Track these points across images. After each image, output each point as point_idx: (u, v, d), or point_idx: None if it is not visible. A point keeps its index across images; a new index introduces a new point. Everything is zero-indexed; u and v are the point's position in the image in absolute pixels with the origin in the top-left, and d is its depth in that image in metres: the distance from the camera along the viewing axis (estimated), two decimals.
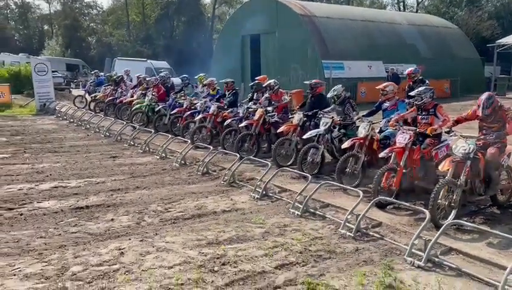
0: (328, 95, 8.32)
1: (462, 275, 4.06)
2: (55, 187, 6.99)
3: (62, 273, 4.04)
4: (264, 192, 6.54)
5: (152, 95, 13.11)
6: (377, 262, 4.31)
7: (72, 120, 14.93)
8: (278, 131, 8.67)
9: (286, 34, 22.47)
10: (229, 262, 4.26)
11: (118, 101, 15.01)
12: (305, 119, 8.49)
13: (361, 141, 6.88)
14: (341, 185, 6.51)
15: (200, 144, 9.59)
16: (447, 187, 5.20)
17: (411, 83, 11.00)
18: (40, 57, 35.66)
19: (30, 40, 60.92)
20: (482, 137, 5.62)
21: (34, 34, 63.12)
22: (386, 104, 7.50)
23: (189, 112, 11.36)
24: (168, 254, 4.47)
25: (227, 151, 8.82)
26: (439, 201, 5.12)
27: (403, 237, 4.90)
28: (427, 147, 6.10)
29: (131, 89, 15.53)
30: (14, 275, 4.04)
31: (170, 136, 10.04)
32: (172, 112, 11.90)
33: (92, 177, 7.65)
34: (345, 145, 7.03)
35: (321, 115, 7.98)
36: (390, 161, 6.04)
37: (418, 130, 6.14)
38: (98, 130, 12.68)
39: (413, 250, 4.35)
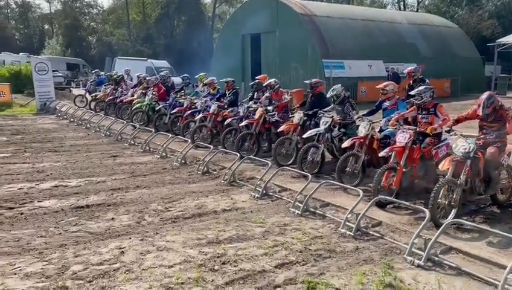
0: (328, 95, 8.32)
1: (462, 274, 4.06)
2: (56, 186, 7.00)
3: (62, 273, 4.05)
4: (264, 191, 6.54)
5: (152, 94, 13.11)
6: (376, 261, 4.31)
7: (72, 119, 14.94)
8: (278, 130, 8.66)
9: (286, 33, 22.46)
10: (229, 261, 4.27)
11: (118, 100, 15.02)
12: (305, 118, 8.49)
13: (362, 140, 6.88)
14: (341, 184, 6.52)
15: (201, 143, 9.60)
16: (447, 186, 5.20)
17: (411, 82, 11.02)
18: (41, 56, 35.68)
19: (30, 39, 60.96)
20: (482, 136, 5.62)
21: (35, 34, 63.17)
22: (386, 104, 7.50)
23: (189, 112, 11.36)
24: (169, 253, 4.47)
25: (227, 151, 8.83)
26: (439, 200, 5.12)
27: (403, 236, 4.90)
28: (427, 146, 6.10)
29: (132, 88, 15.53)
30: (15, 274, 4.05)
31: (170, 135, 10.05)
32: (173, 112, 11.90)
33: (92, 176, 7.66)
34: (345, 144, 7.03)
35: (321, 114, 7.98)
36: (391, 160, 6.04)
37: (418, 129, 6.15)
38: (98, 129, 12.69)
39: (413, 249, 4.36)
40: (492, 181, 5.51)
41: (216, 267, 4.14)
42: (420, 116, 6.38)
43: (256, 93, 10.77)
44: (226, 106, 10.53)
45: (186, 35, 47.09)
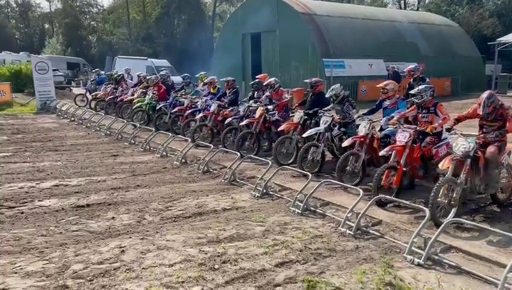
0: (327, 95, 8.32)
1: (462, 273, 4.06)
2: (56, 186, 7.01)
3: (63, 271, 4.06)
4: (264, 190, 6.55)
5: (153, 93, 13.13)
6: (376, 260, 4.32)
7: (72, 119, 14.95)
8: (279, 129, 8.67)
9: (287, 32, 22.46)
10: (229, 260, 4.28)
11: (118, 99, 15.03)
12: (305, 117, 8.49)
13: (362, 139, 6.88)
14: (341, 183, 6.52)
15: (201, 143, 9.60)
16: (447, 185, 5.20)
17: (411, 80, 11.02)
18: (41, 55, 35.71)
19: (31, 38, 60.96)
20: (482, 135, 5.63)
21: (35, 33, 63.16)
22: (387, 103, 7.50)
23: (189, 111, 11.38)
24: (169, 252, 4.48)
25: (227, 150, 8.84)
26: (439, 199, 5.13)
27: (403, 235, 4.91)
28: (427, 145, 6.10)
29: (132, 87, 15.55)
30: (16, 273, 4.05)
31: (171, 134, 10.05)
32: (173, 111, 11.91)
33: (92, 175, 7.67)
34: (346, 143, 7.04)
35: (321, 114, 7.98)
36: (391, 159, 6.04)
37: (418, 128, 6.15)
38: (98, 128, 12.70)
39: (413, 248, 4.36)
40: (492, 180, 5.51)
41: (216, 266, 4.15)
42: (420, 115, 6.38)
43: (256, 92, 10.78)
44: (226, 105, 10.53)
45: (187, 34, 47.08)
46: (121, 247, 4.59)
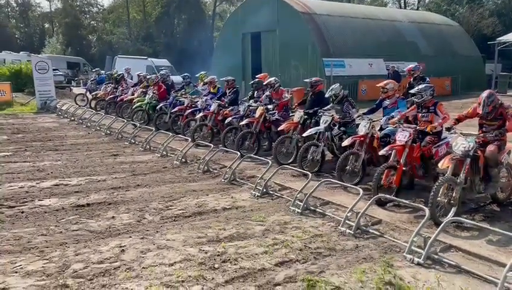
0: (326, 95, 8.32)
1: (462, 272, 4.07)
2: (56, 185, 7.02)
3: (63, 271, 4.07)
4: (264, 190, 6.55)
5: (153, 93, 13.13)
6: (376, 259, 4.32)
7: (73, 118, 14.96)
8: (279, 129, 8.68)
9: (287, 31, 22.46)
10: (229, 259, 4.28)
11: (118, 99, 15.04)
12: (305, 117, 8.49)
13: (362, 138, 6.89)
14: (341, 182, 6.52)
15: (201, 142, 9.61)
16: (447, 185, 5.21)
17: (411, 80, 11.02)
18: (41, 55, 35.70)
19: (31, 38, 60.98)
20: (481, 135, 5.63)
21: (35, 32, 63.18)
22: (387, 102, 7.50)
23: (190, 110, 11.38)
24: (169, 251, 4.49)
25: (227, 149, 8.84)
26: (438, 199, 5.13)
27: (402, 235, 4.91)
28: (427, 145, 6.10)
29: (132, 87, 15.56)
30: (16, 272, 4.06)
31: (171, 134, 10.06)
32: (173, 110, 11.91)
33: (92, 175, 7.68)
34: (346, 143, 7.04)
35: (321, 113, 7.99)
36: (391, 159, 6.05)
37: (418, 127, 6.15)
38: (98, 128, 12.70)
39: (412, 247, 4.36)
40: (491, 179, 5.51)
41: (216, 266, 4.16)
42: (420, 114, 6.38)
43: (256, 92, 10.78)
44: (226, 105, 10.54)
45: (187, 34, 47.08)
46: (121, 246, 4.59)
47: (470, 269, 4.06)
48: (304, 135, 7.94)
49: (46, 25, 64.62)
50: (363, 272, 4.01)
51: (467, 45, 27.12)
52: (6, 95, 18.47)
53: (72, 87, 27.61)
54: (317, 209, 5.77)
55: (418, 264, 4.20)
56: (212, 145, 8.72)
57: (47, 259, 4.32)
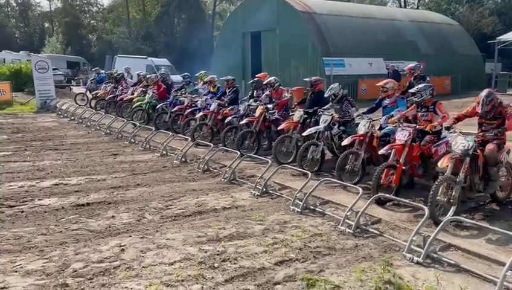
0: (325, 94, 8.33)
1: (461, 271, 4.07)
2: (56, 185, 7.02)
3: (63, 270, 4.07)
4: (264, 189, 6.56)
5: (153, 92, 13.13)
6: (376, 258, 4.33)
7: (72, 118, 14.96)
8: (279, 128, 8.68)
9: (287, 31, 22.46)
10: (229, 259, 4.28)
11: (118, 98, 15.04)
12: (305, 116, 8.49)
13: (361, 138, 6.89)
14: (341, 182, 6.52)
15: (201, 142, 9.61)
16: (446, 184, 5.21)
17: (412, 79, 11.02)
18: (41, 54, 35.70)
19: (31, 37, 60.99)
20: (481, 134, 5.63)
21: (35, 32, 63.18)
22: (386, 101, 7.50)
23: (189, 110, 11.38)
24: (169, 250, 4.49)
25: (227, 149, 8.84)
26: (438, 198, 5.13)
27: (402, 234, 4.91)
28: (426, 144, 6.11)
29: (132, 86, 15.56)
30: (16, 271, 4.07)
31: (171, 133, 10.06)
32: (173, 110, 11.91)
33: (92, 174, 7.68)
34: (345, 142, 7.04)
35: (321, 112, 7.99)
36: (390, 158, 6.05)
37: (417, 127, 6.15)
38: (98, 127, 12.71)
39: (412, 246, 4.37)
40: (491, 178, 5.51)
41: (216, 265, 4.16)
42: (420, 114, 6.38)
43: (255, 91, 10.77)
44: (226, 104, 10.54)
45: (187, 33, 47.07)
46: (120, 246, 4.60)
47: (470, 268, 4.06)
48: (304, 134, 7.94)
49: (46, 25, 64.62)
50: (363, 271, 4.01)
51: (466, 44, 27.12)
52: (6, 95, 18.47)
53: (71, 87, 27.61)
54: (317, 209, 5.78)
55: (418, 263, 4.20)
56: (212, 145, 8.72)
57: (47, 258, 4.32)
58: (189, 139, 9.57)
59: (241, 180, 7.28)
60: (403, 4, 48.17)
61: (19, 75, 22.85)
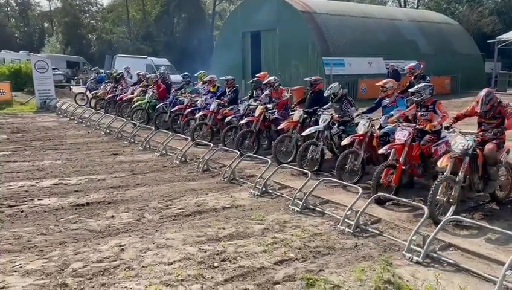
0: (325, 94, 8.33)
1: (461, 270, 4.07)
2: (56, 184, 7.02)
3: (63, 270, 4.07)
4: (264, 189, 6.56)
5: (152, 92, 13.13)
6: (375, 258, 4.33)
7: (72, 117, 14.96)
8: (278, 128, 8.68)
9: (286, 30, 22.45)
10: (228, 258, 4.29)
11: (118, 98, 15.04)
12: (305, 116, 8.49)
13: (361, 137, 6.89)
14: (340, 181, 6.52)
15: (201, 141, 9.61)
16: (446, 183, 5.21)
17: (412, 78, 11.02)
18: (41, 54, 35.70)
19: (30, 37, 60.98)
20: (480, 133, 5.63)
21: (34, 32, 63.16)
22: (386, 101, 7.50)
23: (189, 109, 11.38)
24: (168, 250, 4.49)
25: (227, 149, 8.84)
26: (437, 197, 5.13)
27: (401, 233, 4.92)
28: (426, 144, 6.11)
29: (132, 86, 15.55)
30: (15, 271, 4.07)
31: (170, 133, 10.07)
32: (173, 109, 11.91)
33: (92, 174, 7.68)
34: (345, 142, 7.04)
35: (320, 112, 7.99)
36: (390, 158, 6.05)
37: (417, 126, 6.15)
38: (98, 127, 12.71)
39: (411, 246, 4.37)
40: (490, 178, 5.51)
41: (216, 265, 4.16)
42: (419, 113, 6.38)
43: (255, 91, 10.77)
44: (226, 104, 10.54)
45: (186, 33, 47.06)
46: (120, 245, 4.60)
47: (469, 268, 4.07)
48: (304, 133, 7.94)
49: (46, 24, 64.61)
50: (362, 271, 4.01)
51: (466, 43, 27.11)
52: (5, 94, 18.45)
53: (71, 87, 27.60)
54: (317, 208, 5.78)
55: (417, 262, 4.21)
56: (211, 145, 8.72)
57: (46, 258, 4.32)
58: (189, 138, 9.57)
59: (241, 180, 7.28)
60: (402, 4, 48.14)
61: (19, 75, 22.84)
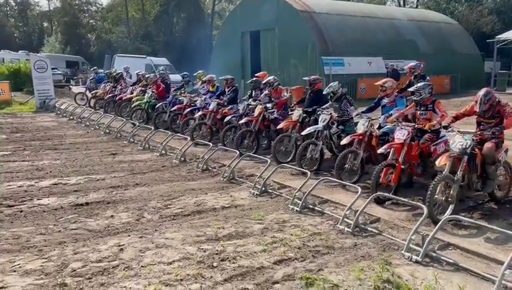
0: (324, 91, 8.34)
1: (460, 269, 4.07)
2: (55, 184, 7.02)
3: (62, 270, 4.07)
4: (263, 188, 6.56)
5: (152, 92, 13.12)
6: (374, 257, 4.33)
7: (71, 117, 14.95)
8: (278, 127, 8.67)
9: (286, 30, 22.44)
10: (228, 258, 4.29)
11: (117, 98, 15.03)
12: (304, 115, 8.49)
13: (360, 137, 6.89)
14: (340, 181, 6.52)
15: (200, 141, 9.61)
16: (444, 182, 5.21)
17: (412, 78, 11.03)
18: (40, 54, 35.65)
19: (30, 37, 60.93)
20: (479, 132, 5.63)
21: (34, 31, 63.12)
22: (385, 100, 7.50)
23: (189, 109, 11.38)
24: (168, 250, 4.49)
25: (227, 148, 8.84)
26: (436, 196, 5.13)
27: (401, 233, 4.92)
28: (425, 143, 6.11)
29: (131, 86, 15.54)
30: (14, 271, 4.06)
31: (170, 133, 10.06)
32: (172, 109, 11.91)
33: (91, 174, 7.68)
34: (344, 141, 7.04)
35: (320, 112, 7.99)
36: (389, 157, 6.05)
37: (416, 126, 6.16)
38: (97, 127, 12.70)
39: (411, 245, 4.37)
40: (489, 177, 5.51)
41: (215, 264, 4.16)
42: (419, 112, 6.39)
43: (254, 91, 10.76)
44: (225, 104, 10.53)
45: (186, 32, 47.05)
46: (119, 245, 4.60)
47: (468, 267, 4.07)
48: (303, 133, 7.94)
49: (45, 24, 64.57)
50: (362, 270, 4.02)
51: (466, 43, 27.12)
52: (5, 94, 18.44)
53: (71, 86, 27.59)
54: (316, 208, 5.78)
55: (416, 262, 4.21)
56: (211, 144, 8.73)
57: (46, 258, 4.32)
58: (189, 138, 9.56)
59: (240, 179, 7.29)
60: (402, 3, 48.11)
61: (18, 75, 22.83)
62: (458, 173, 5.22)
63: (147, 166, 8.33)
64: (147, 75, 14.87)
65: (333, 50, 21.32)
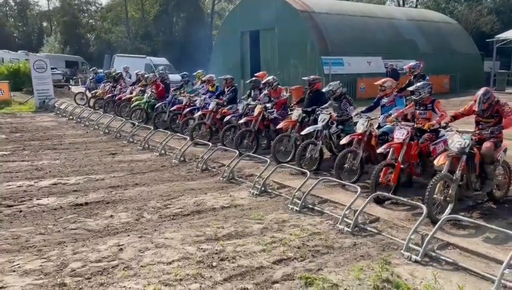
0: (324, 90, 8.34)
1: (459, 269, 4.08)
2: (55, 184, 7.02)
3: (61, 270, 4.07)
4: (263, 188, 6.56)
5: (151, 92, 13.12)
6: (374, 257, 4.33)
7: (71, 117, 14.95)
8: (277, 127, 8.67)
9: (285, 30, 22.43)
10: (227, 258, 4.29)
11: (117, 98, 15.03)
12: (304, 115, 8.49)
13: (360, 137, 6.89)
14: (339, 180, 6.52)
15: (200, 141, 9.60)
16: (443, 182, 5.21)
17: (411, 78, 11.04)
18: (39, 54, 35.65)
19: (29, 37, 60.88)
20: (478, 132, 5.63)
21: (33, 31, 63.08)
22: (385, 100, 7.51)
23: (188, 109, 11.37)
24: (167, 250, 4.49)
25: (226, 148, 8.83)
26: (434, 196, 5.13)
27: (400, 232, 4.92)
28: (425, 142, 6.11)
29: (130, 85, 15.54)
30: (14, 271, 4.07)
31: (169, 132, 10.06)
32: (172, 109, 11.91)
33: (91, 174, 7.68)
34: (344, 141, 7.04)
35: (319, 111, 7.99)
36: (388, 157, 6.05)
37: (415, 125, 6.16)
38: (97, 127, 12.70)
39: (410, 245, 4.38)
40: (487, 177, 5.52)
41: (214, 264, 4.16)
42: (418, 112, 6.39)
43: (252, 91, 10.76)
44: (225, 103, 10.53)
45: (185, 32, 47.04)
46: (119, 245, 4.60)
47: (467, 266, 4.07)
48: (302, 133, 7.94)
49: (45, 24, 64.55)
50: (361, 270, 4.02)
51: (465, 42, 27.12)
52: (4, 94, 18.44)
53: (70, 86, 27.58)
54: (316, 207, 5.78)
55: (416, 261, 4.21)
56: (210, 144, 8.72)
57: (45, 258, 4.33)
58: (188, 138, 9.56)
59: (240, 179, 7.29)
60: (401, 3, 48.11)
61: (18, 75, 22.82)
62: (457, 172, 5.22)
63: (146, 166, 8.32)
64: (146, 75, 14.87)
65: (333, 50, 21.32)
